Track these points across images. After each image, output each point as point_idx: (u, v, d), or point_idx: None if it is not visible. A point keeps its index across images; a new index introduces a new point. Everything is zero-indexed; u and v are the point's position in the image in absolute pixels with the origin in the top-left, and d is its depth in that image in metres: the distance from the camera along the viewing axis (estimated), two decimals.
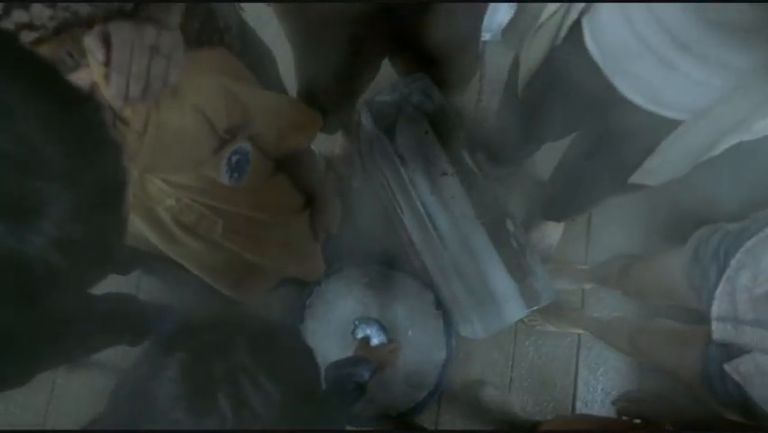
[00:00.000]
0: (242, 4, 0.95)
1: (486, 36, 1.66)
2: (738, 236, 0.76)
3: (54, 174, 0.31)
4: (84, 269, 0.36)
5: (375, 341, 1.34)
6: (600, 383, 1.56)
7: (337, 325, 1.33)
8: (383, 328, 1.36)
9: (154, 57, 0.51)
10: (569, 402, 1.56)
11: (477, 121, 1.63)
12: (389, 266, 1.37)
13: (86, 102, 0.35)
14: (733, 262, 0.73)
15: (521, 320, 1.54)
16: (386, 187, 1.30)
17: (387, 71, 1.28)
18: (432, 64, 1.17)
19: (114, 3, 0.56)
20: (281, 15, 0.97)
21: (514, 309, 1.08)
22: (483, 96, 1.63)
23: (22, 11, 0.51)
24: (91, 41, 0.48)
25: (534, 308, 1.10)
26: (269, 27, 1.14)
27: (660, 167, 0.85)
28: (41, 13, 0.52)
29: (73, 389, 1.57)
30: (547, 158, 1.35)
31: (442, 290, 1.26)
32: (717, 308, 0.76)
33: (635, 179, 0.90)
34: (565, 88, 0.88)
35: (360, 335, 1.35)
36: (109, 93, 0.50)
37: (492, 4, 1.56)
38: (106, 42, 0.48)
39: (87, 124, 0.35)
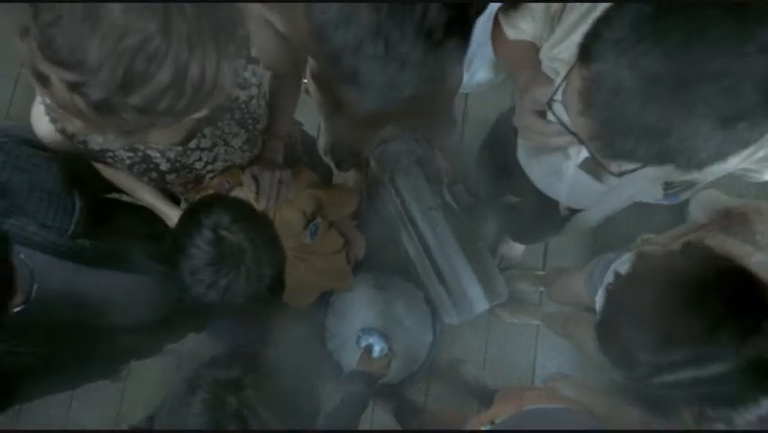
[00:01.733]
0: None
1: (468, 90, 2.10)
2: (609, 263, 1.19)
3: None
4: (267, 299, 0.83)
5: (377, 348, 1.53)
6: (554, 366, 1.97)
7: (351, 315, 1.77)
8: (383, 337, 1.55)
9: (280, 185, 1.00)
10: (529, 379, 1.98)
11: (461, 160, 2.07)
12: (392, 272, 1.81)
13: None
14: (605, 278, 1.17)
15: (492, 314, 1.98)
16: (388, 213, 1.75)
17: None
18: (421, 124, 1.61)
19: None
20: (320, 102, 1.41)
21: (480, 304, 1.53)
22: (465, 140, 2.07)
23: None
24: (247, 179, 0.97)
25: (495, 303, 1.55)
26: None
27: (584, 222, 1.26)
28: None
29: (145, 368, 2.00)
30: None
31: (429, 290, 1.70)
32: (598, 307, 1.19)
33: (568, 228, 1.33)
34: (502, 153, 1.28)
35: (363, 343, 1.55)
36: (259, 206, 0.98)
37: (472, 67, 2.00)
38: (255, 179, 0.97)
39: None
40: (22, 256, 0.85)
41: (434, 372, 1.95)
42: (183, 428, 0.74)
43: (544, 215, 1.17)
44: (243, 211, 0.93)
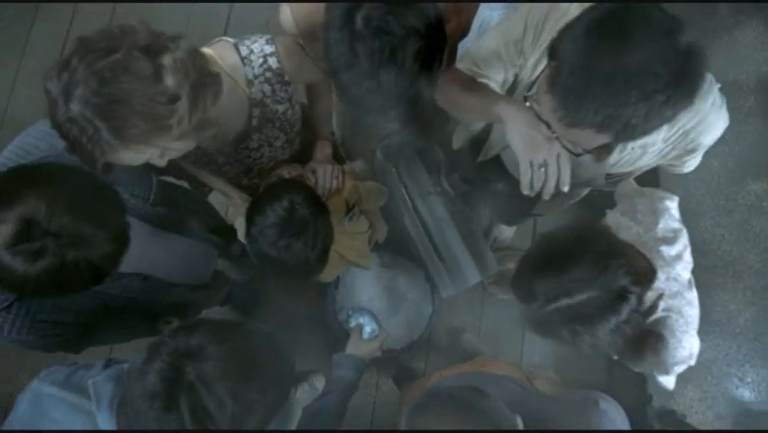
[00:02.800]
0: None
1: None
2: None
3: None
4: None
5: (367, 329, 1.44)
6: (540, 342, 2.19)
7: (360, 289, 1.99)
8: (374, 317, 1.47)
9: (333, 178, 1.34)
10: (519, 347, 2.20)
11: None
12: (396, 252, 2.03)
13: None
14: None
15: (486, 291, 2.20)
16: (393, 198, 1.96)
17: None
18: (419, 121, 1.83)
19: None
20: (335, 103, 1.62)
21: (472, 277, 1.75)
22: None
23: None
24: (307, 172, 1.32)
25: (486, 276, 1.77)
26: None
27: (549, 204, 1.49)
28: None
29: None
30: None
31: (429, 267, 1.92)
32: None
33: (537, 210, 1.56)
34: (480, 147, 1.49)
35: (353, 323, 1.46)
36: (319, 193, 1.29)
37: None
38: (314, 173, 1.28)
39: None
40: None
41: (434, 342, 2.17)
42: (140, 395, 0.73)
43: (517, 196, 1.42)
44: (313, 195, 1.23)
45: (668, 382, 1.16)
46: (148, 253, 1.16)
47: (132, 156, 0.93)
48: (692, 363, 1.10)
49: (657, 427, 1.76)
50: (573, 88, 0.79)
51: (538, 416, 0.97)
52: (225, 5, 2.61)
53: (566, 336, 0.88)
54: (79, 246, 0.81)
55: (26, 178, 0.83)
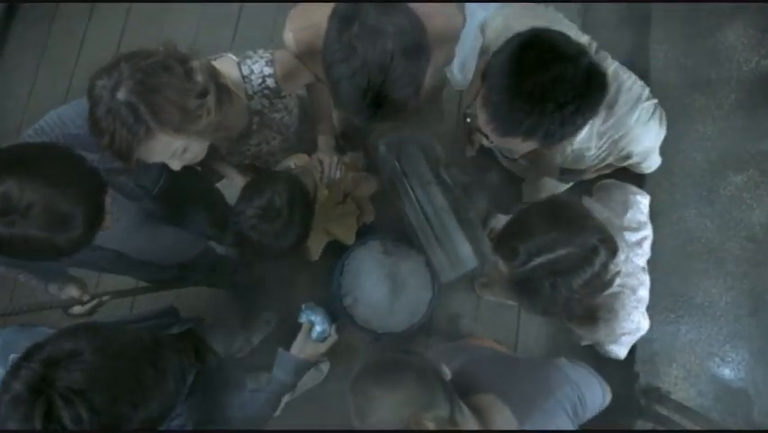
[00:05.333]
0: None
1: (462, 87, 2.43)
2: None
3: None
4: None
5: (318, 328, 1.39)
6: (534, 324, 2.30)
7: (363, 274, 2.10)
8: (327, 317, 1.42)
9: (336, 167, 1.48)
10: (514, 331, 2.31)
11: (456, 144, 2.40)
12: (398, 240, 2.15)
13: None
14: None
15: (476, 292, 2.31)
16: (395, 188, 2.08)
17: None
18: (416, 117, 1.95)
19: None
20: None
21: (469, 262, 1.87)
22: (458, 130, 2.40)
23: None
24: (314, 162, 1.50)
25: (482, 262, 1.89)
26: None
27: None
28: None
29: None
30: None
31: (428, 254, 2.03)
32: None
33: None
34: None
35: (304, 319, 1.40)
36: (323, 181, 1.47)
37: (465, 67, 2.33)
38: (321, 163, 1.44)
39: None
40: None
41: (434, 327, 2.28)
42: (4, 400, 0.71)
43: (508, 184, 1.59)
44: (294, 187, 1.39)
45: (619, 351, 1.30)
46: (134, 238, 1.30)
47: (162, 147, 1.05)
48: (639, 335, 1.25)
49: (643, 402, 1.88)
50: (501, 105, 0.99)
51: (504, 369, 1.10)
52: (234, 12, 2.74)
53: (545, 290, 1.00)
54: (45, 224, 0.90)
55: (4, 156, 0.94)
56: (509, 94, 0.97)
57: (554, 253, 0.99)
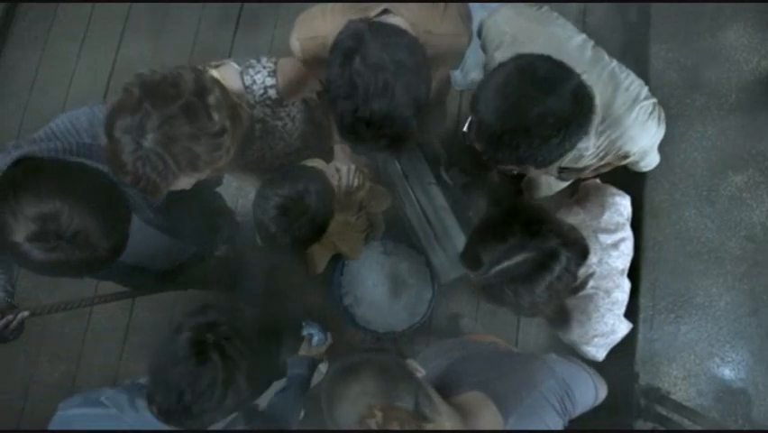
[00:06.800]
0: None
1: (462, 87, 2.44)
2: None
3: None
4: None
5: (315, 338, 1.70)
6: (534, 322, 2.29)
7: (364, 275, 2.10)
8: (322, 329, 1.72)
9: (351, 175, 1.48)
10: (513, 333, 2.31)
11: (459, 144, 2.40)
12: (398, 240, 2.15)
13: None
14: None
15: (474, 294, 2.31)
16: (396, 189, 2.08)
17: None
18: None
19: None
20: None
21: None
22: (459, 130, 2.41)
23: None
24: (331, 170, 1.47)
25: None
26: None
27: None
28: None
29: None
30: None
31: (429, 254, 2.04)
32: None
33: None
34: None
35: (305, 332, 1.72)
36: (340, 188, 1.45)
37: (465, 67, 2.33)
38: (338, 171, 1.44)
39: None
40: None
41: (434, 326, 2.29)
42: (170, 364, 0.94)
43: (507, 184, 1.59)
44: (326, 185, 1.40)
45: (597, 352, 1.29)
46: (132, 244, 1.30)
47: (187, 182, 1.11)
48: (615, 338, 1.25)
49: (643, 402, 1.89)
50: (490, 140, 1.03)
51: (493, 365, 1.10)
52: (235, 12, 2.74)
53: (509, 297, 1.00)
54: (83, 249, 0.97)
55: (51, 175, 0.98)
56: (496, 131, 1.00)
57: (512, 260, 0.98)
